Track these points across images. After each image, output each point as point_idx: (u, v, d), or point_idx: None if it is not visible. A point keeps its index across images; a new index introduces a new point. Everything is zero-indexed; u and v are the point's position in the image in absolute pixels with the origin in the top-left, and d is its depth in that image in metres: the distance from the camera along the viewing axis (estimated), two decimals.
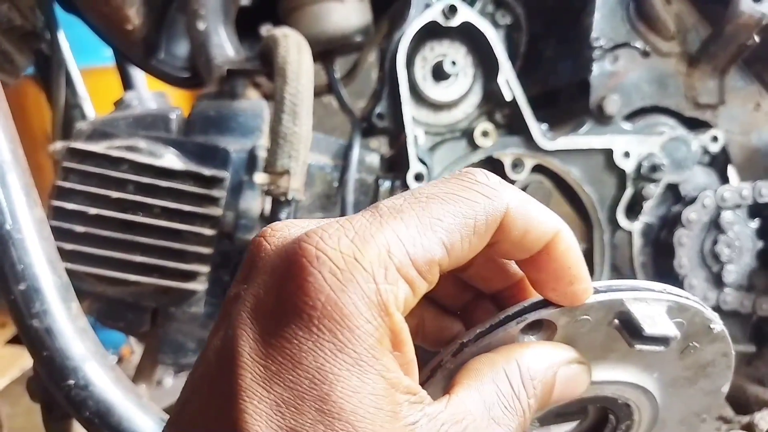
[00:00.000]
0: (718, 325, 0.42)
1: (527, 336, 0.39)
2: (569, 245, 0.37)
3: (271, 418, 0.30)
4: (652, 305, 0.39)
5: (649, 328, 0.38)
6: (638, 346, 0.38)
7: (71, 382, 0.70)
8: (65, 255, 0.82)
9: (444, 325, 0.45)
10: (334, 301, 0.30)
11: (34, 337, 0.70)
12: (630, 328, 0.38)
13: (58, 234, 0.83)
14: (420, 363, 0.36)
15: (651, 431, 0.47)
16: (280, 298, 0.32)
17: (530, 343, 0.39)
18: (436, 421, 0.32)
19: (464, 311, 0.45)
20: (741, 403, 1.09)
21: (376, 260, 0.32)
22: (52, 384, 0.71)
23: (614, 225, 1.09)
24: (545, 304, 0.39)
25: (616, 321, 0.39)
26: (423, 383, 0.37)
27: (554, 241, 0.37)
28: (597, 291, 0.39)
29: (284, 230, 0.36)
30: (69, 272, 0.73)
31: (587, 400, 0.44)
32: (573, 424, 0.48)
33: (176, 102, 1.43)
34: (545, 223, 0.37)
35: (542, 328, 0.39)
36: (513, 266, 0.42)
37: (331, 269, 0.31)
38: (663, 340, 0.38)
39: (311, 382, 0.30)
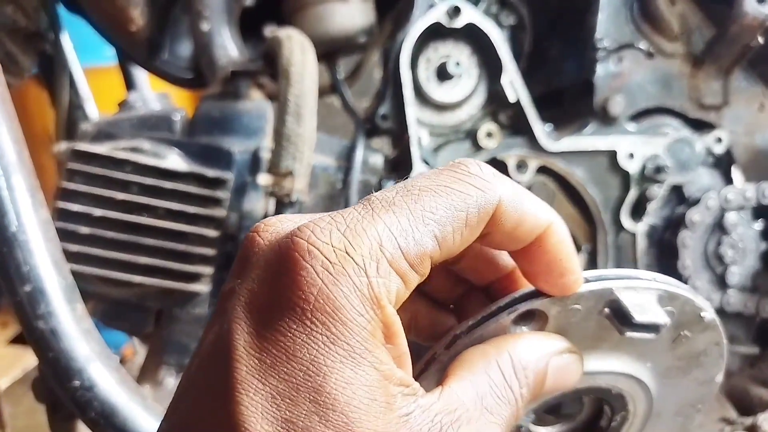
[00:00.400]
0: (708, 313, 0.42)
1: (519, 327, 0.39)
2: (561, 238, 0.38)
3: (266, 410, 0.30)
4: (642, 294, 0.39)
5: (639, 316, 0.38)
6: (628, 334, 0.39)
7: (76, 383, 0.70)
8: (70, 256, 0.82)
9: (437, 319, 0.45)
10: (326, 295, 0.31)
11: (39, 338, 0.70)
12: (620, 316, 0.39)
13: (63, 235, 0.83)
14: (414, 358, 0.36)
15: (646, 423, 0.47)
16: (273, 292, 0.32)
17: (522, 333, 0.39)
18: (430, 412, 0.33)
19: (457, 304, 0.45)
20: (744, 404, 1.09)
21: (367, 254, 0.32)
22: (58, 385, 0.71)
23: (618, 226, 1.09)
24: (536, 294, 0.39)
25: (607, 310, 0.39)
26: (417, 377, 0.38)
27: (546, 234, 0.37)
28: (587, 280, 0.39)
29: (277, 225, 0.36)
30: (74, 273, 0.73)
31: (581, 391, 0.44)
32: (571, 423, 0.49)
33: (179, 103, 1.43)
34: (537, 215, 0.37)
35: (534, 319, 0.39)
36: (504, 258, 0.42)
37: (323, 263, 0.31)
38: (653, 327, 0.38)
39: (305, 374, 0.30)
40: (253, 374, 0.31)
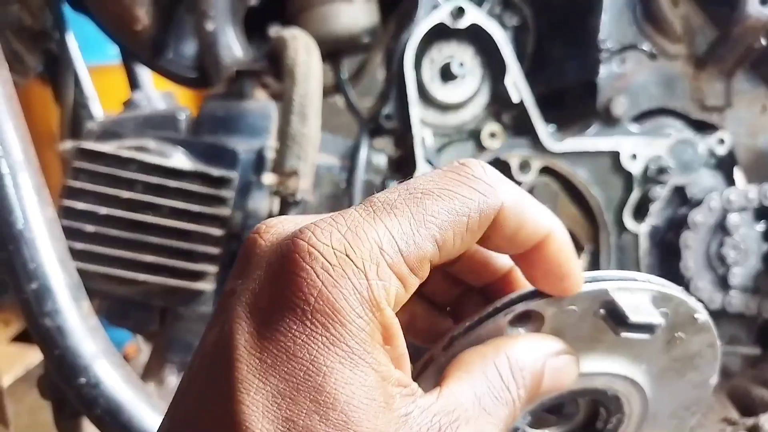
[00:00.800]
0: (702, 315, 0.42)
1: (515, 328, 0.40)
2: (561, 245, 0.38)
3: (267, 409, 0.30)
4: (636, 295, 0.40)
5: (634, 316, 0.38)
6: (623, 334, 0.39)
7: (82, 380, 0.71)
8: (76, 254, 0.83)
9: (435, 320, 0.45)
10: (326, 297, 0.31)
11: (45, 335, 0.70)
12: (615, 317, 0.39)
13: (69, 233, 0.83)
14: (413, 359, 0.37)
15: (642, 425, 0.47)
16: (274, 293, 0.32)
17: (519, 335, 0.39)
18: (428, 413, 0.33)
19: (455, 306, 0.46)
20: (746, 405, 1.09)
21: (368, 257, 0.32)
22: (63, 382, 0.71)
23: (621, 227, 1.09)
24: (533, 295, 0.39)
25: (602, 310, 0.40)
26: (416, 378, 0.38)
27: (546, 241, 0.37)
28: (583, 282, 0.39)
29: (278, 226, 0.36)
30: (79, 271, 0.74)
31: (577, 393, 0.44)
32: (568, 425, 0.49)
33: (183, 102, 1.43)
34: (538, 222, 0.37)
35: (530, 320, 0.40)
36: (500, 260, 0.42)
37: (323, 265, 0.31)
38: (648, 328, 0.39)
39: (306, 374, 0.30)
40: (254, 374, 0.31)
